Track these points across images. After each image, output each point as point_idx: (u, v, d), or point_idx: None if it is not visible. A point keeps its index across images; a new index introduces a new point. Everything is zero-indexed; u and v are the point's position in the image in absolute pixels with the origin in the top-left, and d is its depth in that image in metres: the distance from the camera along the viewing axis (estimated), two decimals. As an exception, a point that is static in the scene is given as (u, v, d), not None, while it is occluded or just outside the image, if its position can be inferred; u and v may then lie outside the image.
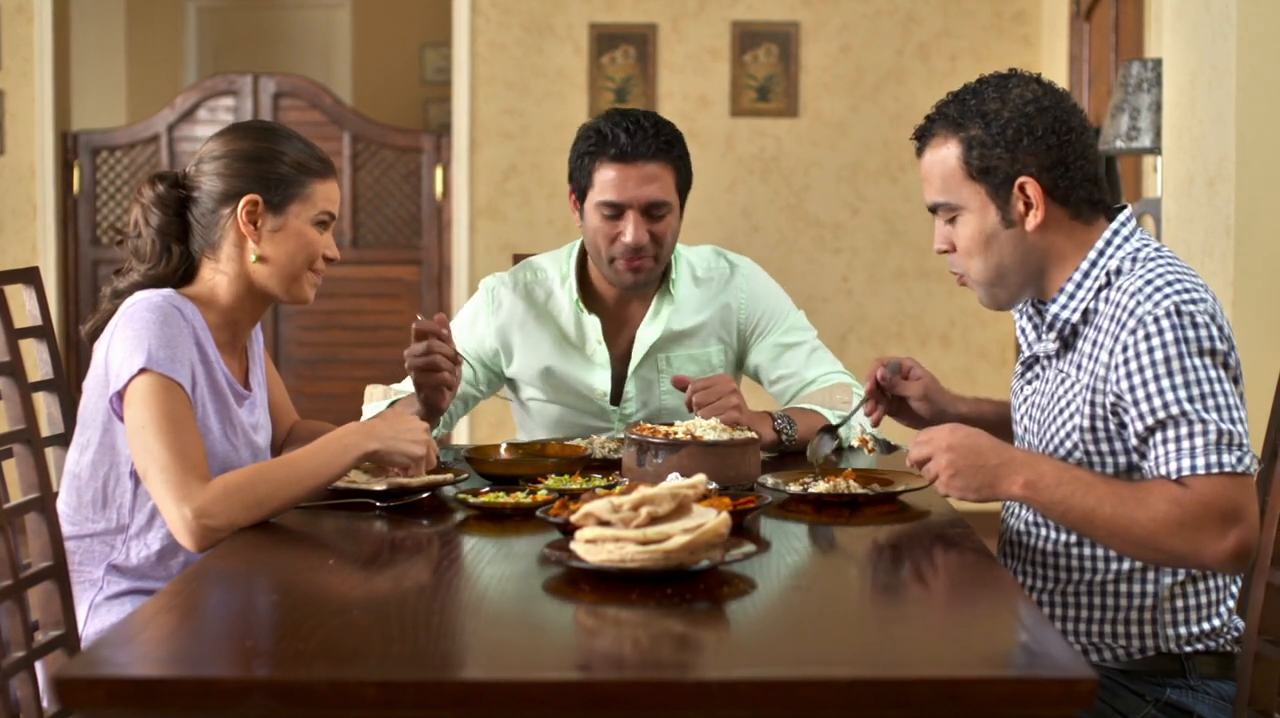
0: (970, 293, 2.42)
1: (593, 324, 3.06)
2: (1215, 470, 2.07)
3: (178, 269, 2.53)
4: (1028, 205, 2.27)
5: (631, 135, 2.92)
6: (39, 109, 6.70)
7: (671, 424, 2.59)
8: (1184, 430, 2.10)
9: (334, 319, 7.00)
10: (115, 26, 9.05)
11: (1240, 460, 2.08)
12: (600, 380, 3.07)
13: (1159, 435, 2.12)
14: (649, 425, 2.59)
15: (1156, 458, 2.13)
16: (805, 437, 2.87)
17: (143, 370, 2.35)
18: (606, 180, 2.93)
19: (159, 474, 2.30)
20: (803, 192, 6.72)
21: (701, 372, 3.07)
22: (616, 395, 3.10)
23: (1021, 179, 2.26)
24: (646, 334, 3.06)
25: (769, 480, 2.50)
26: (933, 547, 2.23)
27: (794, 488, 2.45)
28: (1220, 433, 2.09)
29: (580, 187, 2.99)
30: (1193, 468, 2.08)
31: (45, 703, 2.28)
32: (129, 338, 2.38)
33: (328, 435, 2.41)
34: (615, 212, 2.94)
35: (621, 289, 3.03)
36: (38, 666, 2.28)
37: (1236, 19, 3.39)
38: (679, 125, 3.06)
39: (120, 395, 2.37)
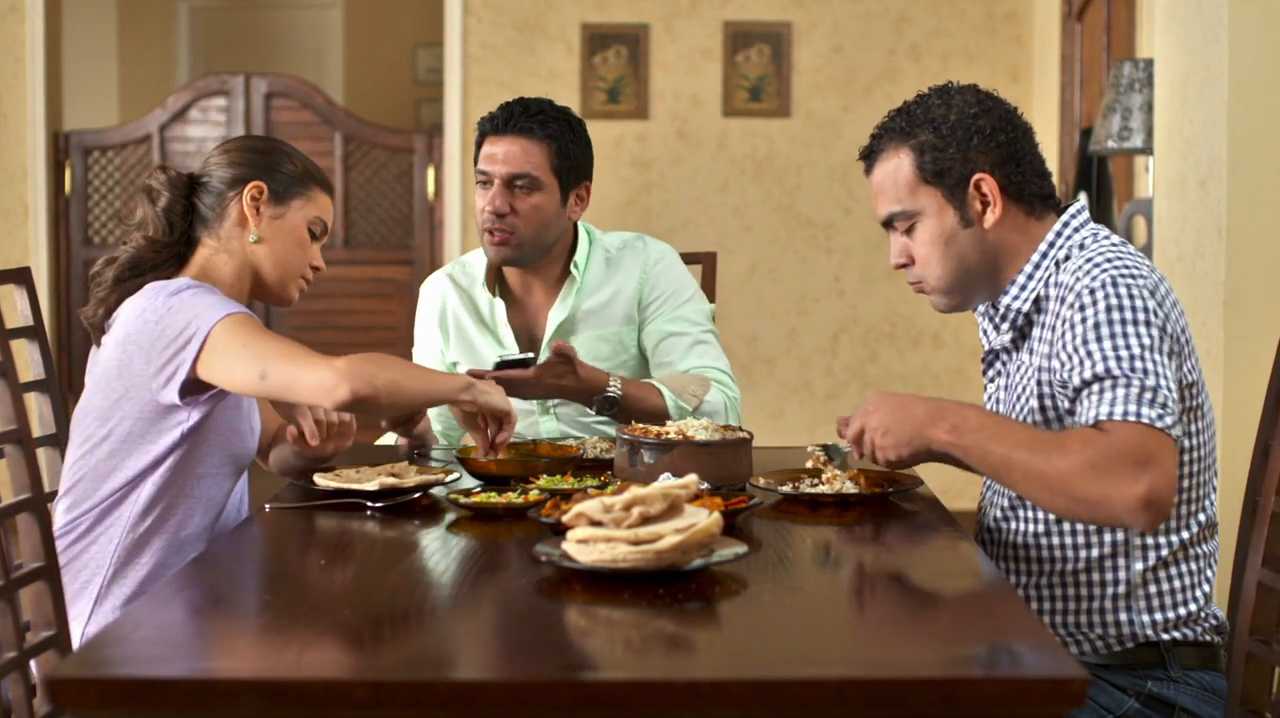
0: None
1: (499, 306, 3.17)
2: (1133, 419, 2.05)
3: (179, 240, 2.58)
4: (984, 203, 2.32)
5: (505, 110, 3.09)
6: (30, 109, 6.69)
7: (663, 424, 2.59)
8: (1108, 384, 2.10)
9: (326, 319, 6.99)
10: (107, 26, 9.05)
11: (1162, 418, 2.05)
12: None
13: (1085, 392, 2.12)
14: (641, 426, 2.59)
15: (1080, 413, 2.12)
16: (629, 402, 2.93)
17: (216, 322, 2.39)
18: (482, 153, 3.11)
19: (285, 363, 2.35)
20: (795, 191, 6.72)
21: (614, 352, 3.16)
22: None
23: (977, 176, 2.31)
24: (556, 315, 3.15)
25: (761, 480, 2.51)
26: (924, 547, 2.23)
27: (786, 488, 2.46)
28: (1144, 388, 2.07)
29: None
30: (1110, 414, 2.06)
31: (38, 704, 2.28)
32: (183, 308, 2.41)
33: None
34: (484, 179, 3.09)
35: (495, 264, 3.13)
36: (30, 666, 2.27)
37: (1228, 19, 3.40)
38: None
39: (194, 362, 2.39)
